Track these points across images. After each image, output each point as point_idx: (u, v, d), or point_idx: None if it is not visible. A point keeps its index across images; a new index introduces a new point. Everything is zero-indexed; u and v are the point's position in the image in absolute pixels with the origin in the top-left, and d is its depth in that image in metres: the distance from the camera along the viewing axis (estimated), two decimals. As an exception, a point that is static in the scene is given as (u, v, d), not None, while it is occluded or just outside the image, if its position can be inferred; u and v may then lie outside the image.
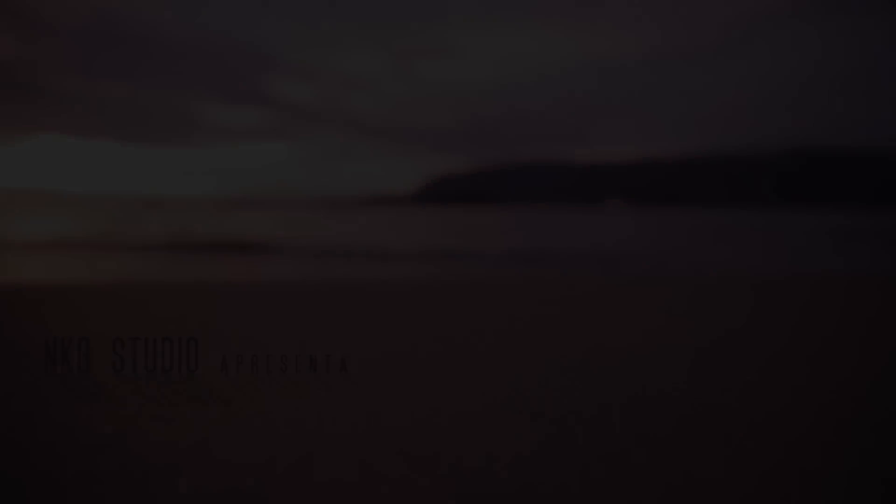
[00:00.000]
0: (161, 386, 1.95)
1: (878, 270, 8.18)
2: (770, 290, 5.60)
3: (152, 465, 1.31)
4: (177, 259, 7.43)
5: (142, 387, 1.93)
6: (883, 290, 5.66)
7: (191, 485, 1.22)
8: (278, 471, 1.29)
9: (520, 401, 1.81)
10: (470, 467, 1.32)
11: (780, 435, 1.52)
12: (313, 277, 6.03)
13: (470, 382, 2.03)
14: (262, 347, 2.61)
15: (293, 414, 1.67)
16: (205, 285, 5.22)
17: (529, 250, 9.92)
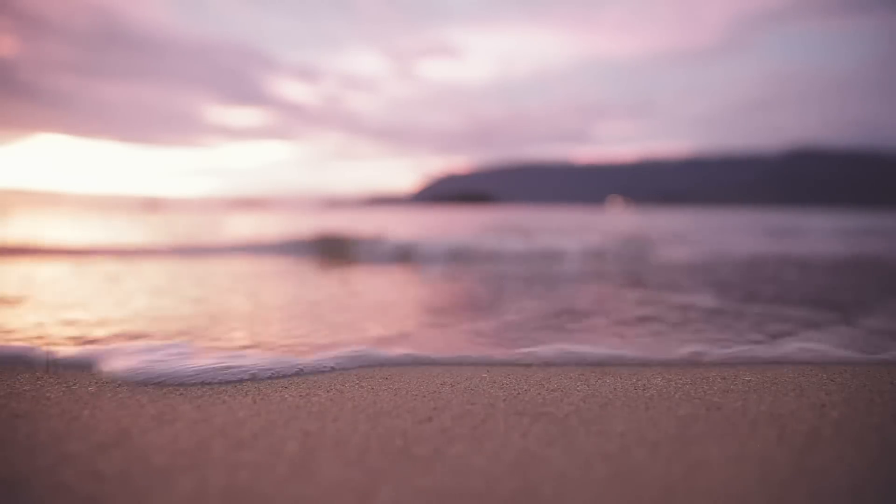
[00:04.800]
0: (163, 385, 1.95)
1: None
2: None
3: (152, 466, 1.31)
4: (178, 258, 7.43)
5: (143, 386, 1.93)
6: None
7: (191, 485, 1.22)
8: (278, 471, 1.29)
9: (522, 400, 1.81)
10: (472, 467, 1.32)
11: (781, 436, 1.52)
12: (313, 276, 6.03)
13: (471, 382, 2.03)
14: (263, 347, 2.61)
15: (294, 413, 1.67)
16: (205, 285, 5.22)
17: (529, 250, 9.94)
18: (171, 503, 1.15)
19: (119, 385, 1.94)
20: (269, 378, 2.07)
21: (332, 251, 8.21)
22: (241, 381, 2.02)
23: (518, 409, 1.72)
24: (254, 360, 2.14)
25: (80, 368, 2.09)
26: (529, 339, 2.87)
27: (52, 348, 2.11)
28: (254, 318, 3.27)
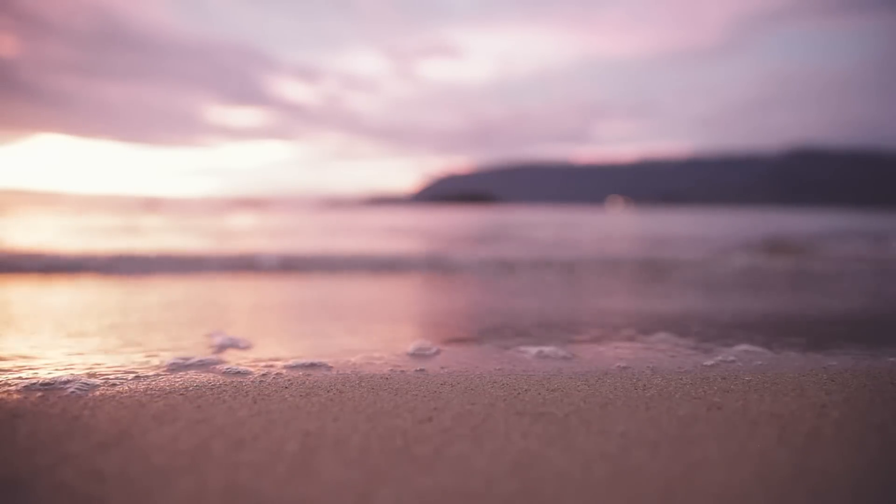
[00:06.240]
0: (163, 385, 1.95)
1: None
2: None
3: (152, 466, 1.31)
4: (178, 258, 7.43)
5: (145, 385, 1.93)
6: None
7: (191, 485, 1.22)
8: (278, 471, 1.29)
9: (522, 400, 1.81)
10: (472, 467, 1.32)
11: (781, 435, 1.52)
12: (313, 276, 6.03)
13: (471, 382, 2.03)
14: (263, 346, 2.61)
15: (294, 413, 1.67)
16: (205, 285, 5.22)
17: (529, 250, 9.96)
18: (171, 503, 1.15)
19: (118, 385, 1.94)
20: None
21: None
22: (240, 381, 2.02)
23: (518, 409, 1.72)
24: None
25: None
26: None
27: None
28: None
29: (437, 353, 2.54)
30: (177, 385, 1.95)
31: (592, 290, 5.19)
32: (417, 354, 2.50)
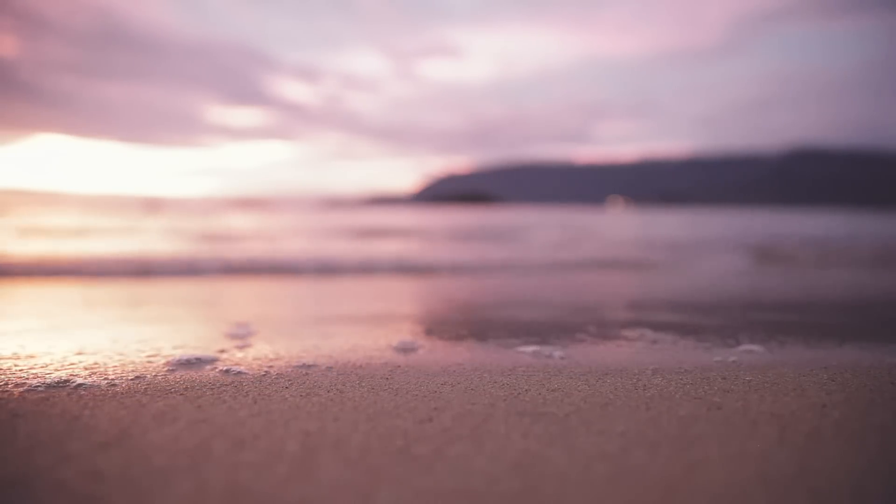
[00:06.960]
0: (163, 384, 1.95)
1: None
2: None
3: (152, 466, 1.31)
4: (176, 259, 7.43)
5: (145, 385, 1.93)
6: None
7: (191, 485, 1.22)
8: (278, 471, 1.29)
9: (523, 400, 1.81)
10: (473, 467, 1.32)
11: (781, 435, 1.52)
12: (313, 278, 6.03)
13: (471, 382, 2.03)
14: (263, 346, 2.61)
15: (294, 413, 1.67)
16: (205, 285, 5.21)
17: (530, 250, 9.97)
18: (171, 503, 1.15)
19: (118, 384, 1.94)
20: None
21: None
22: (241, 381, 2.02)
23: (519, 409, 1.72)
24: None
25: None
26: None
27: None
28: None
29: (437, 352, 2.54)
30: (177, 385, 1.95)
31: (592, 290, 5.19)
32: (417, 354, 2.50)
